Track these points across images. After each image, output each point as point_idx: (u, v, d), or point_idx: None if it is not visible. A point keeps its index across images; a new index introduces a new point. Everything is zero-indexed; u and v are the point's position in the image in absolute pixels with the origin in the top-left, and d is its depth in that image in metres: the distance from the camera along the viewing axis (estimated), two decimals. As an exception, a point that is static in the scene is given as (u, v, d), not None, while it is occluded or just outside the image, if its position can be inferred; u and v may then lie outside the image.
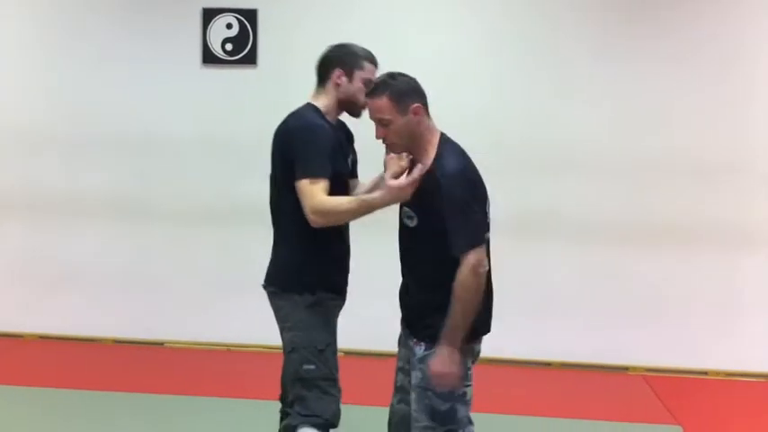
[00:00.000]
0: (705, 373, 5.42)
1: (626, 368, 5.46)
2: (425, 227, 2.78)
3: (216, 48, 5.50)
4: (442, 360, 2.73)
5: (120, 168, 5.64)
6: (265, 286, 3.14)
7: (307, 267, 3.01)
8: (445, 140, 2.83)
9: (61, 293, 5.73)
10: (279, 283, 3.07)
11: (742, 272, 5.41)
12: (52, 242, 5.74)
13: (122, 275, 5.71)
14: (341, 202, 2.90)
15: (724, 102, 5.34)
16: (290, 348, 3.01)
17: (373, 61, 3.08)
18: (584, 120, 5.38)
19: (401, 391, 3.00)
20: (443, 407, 2.80)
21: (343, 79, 3.03)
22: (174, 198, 5.63)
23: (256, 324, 5.44)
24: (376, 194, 2.84)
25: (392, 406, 3.05)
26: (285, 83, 5.41)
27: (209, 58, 5.51)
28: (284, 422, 3.09)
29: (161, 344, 5.67)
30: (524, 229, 5.30)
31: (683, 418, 4.68)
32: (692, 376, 5.39)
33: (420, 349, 2.83)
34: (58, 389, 4.79)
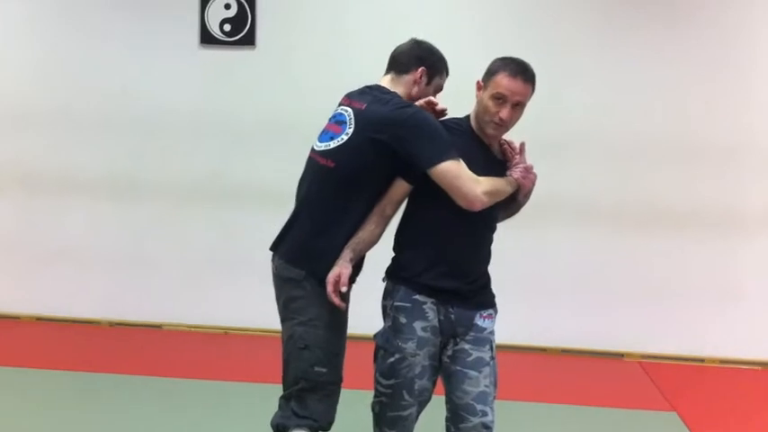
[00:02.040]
0: (701, 360, 5.43)
1: (622, 354, 5.47)
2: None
3: (214, 28, 5.45)
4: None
5: (115, 148, 5.60)
6: (283, 268, 2.94)
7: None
8: None
9: (54, 273, 5.70)
10: (311, 271, 2.85)
11: (739, 258, 5.41)
12: (45, 222, 5.70)
13: (118, 256, 5.68)
14: (499, 181, 2.86)
15: (722, 86, 5.32)
16: (302, 344, 2.85)
17: (448, 71, 3.07)
18: (582, 104, 5.37)
19: (420, 394, 2.93)
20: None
21: (423, 80, 2.97)
22: (170, 179, 5.60)
23: (253, 307, 5.48)
24: (508, 180, 2.89)
25: (429, 389, 2.99)
26: (284, 64, 5.39)
27: (206, 38, 5.47)
28: (276, 419, 2.95)
29: (159, 326, 5.65)
30: (521, 214, 5.23)
31: (678, 404, 4.69)
32: (688, 363, 5.40)
33: (491, 321, 2.95)
34: (53, 370, 4.77)
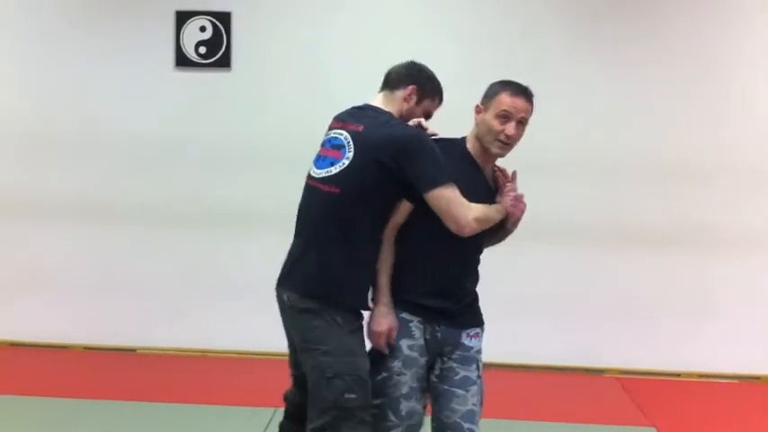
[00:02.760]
0: (678, 374, 5.46)
1: (600, 370, 5.49)
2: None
3: (189, 51, 5.45)
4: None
5: (89, 171, 5.57)
6: (297, 300, 2.87)
7: (363, 286, 2.87)
8: None
9: (28, 298, 5.63)
10: (329, 300, 2.81)
11: (713, 274, 5.46)
12: (17, 247, 5.64)
13: (92, 280, 5.63)
14: (490, 209, 2.90)
15: (696, 104, 5.39)
16: (330, 374, 2.77)
17: (442, 98, 3.06)
18: (556, 123, 5.37)
19: (409, 417, 2.90)
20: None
21: (413, 98, 2.97)
22: (145, 202, 5.56)
23: (230, 329, 5.45)
24: (497, 207, 2.93)
25: (420, 413, 2.97)
26: (259, 86, 5.39)
27: (182, 60, 5.47)
28: None
29: (133, 350, 5.60)
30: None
31: (656, 419, 4.71)
32: (665, 378, 5.43)
33: (478, 341, 2.99)
34: (27, 396, 4.70)
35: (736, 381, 5.42)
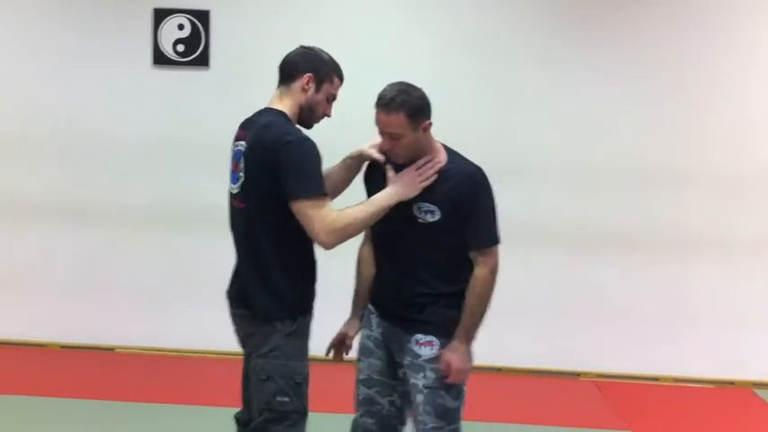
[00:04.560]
0: (656, 378, 5.48)
1: (577, 374, 5.50)
2: (449, 222, 2.80)
3: (167, 49, 5.41)
4: (463, 356, 2.82)
5: (66, 171, 5.51)
6: (236, 307, 2.94)
7: (290, 292, 2.80)
8: (446, 146, 2.92)
9: (4, 297, 5.58)
10: (257, 308, 2.82)
11: (692, 279, 5.47)
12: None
13: (70, 278, 5.58)
14: (353, 213, 2.73)
15: (670, 109, 5.40)
16: (264, 376, 2.79)
17: (341, 77, 2.93)
18: (531, 128, 5.40)
19: (366, 403, 2.98)
20: (454, 404, 2.88)
21: (311, 86, 2.85)
22: (122, 202, 5.52)
23: (207, 329, 5.40)
24: (383, 194, 2.80)
25: (355, 421, 3.03)
26: (238, 85, 5.35)
27: (159, 58, 5.42)
28: None
29: (111, 349, 5.55)
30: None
31: (633, 423, 4.73)
32: (642, 382, 5.44)
33: (429, 349, 2.84)
34: (3, 395, 4.66)
35: (712, 386, 5.44)
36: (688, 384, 5.45)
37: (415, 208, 2.81)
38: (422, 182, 2.79)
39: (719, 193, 5.42)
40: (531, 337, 5.49)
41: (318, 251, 2.86)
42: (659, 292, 5.46)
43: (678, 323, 5.47)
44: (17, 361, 5.35)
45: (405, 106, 2.72)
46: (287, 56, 2.93)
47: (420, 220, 2.81)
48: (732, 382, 5.46)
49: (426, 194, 2.79)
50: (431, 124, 2.81)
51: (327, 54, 2.93)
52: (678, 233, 5.44)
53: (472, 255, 2.85)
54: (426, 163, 2.81)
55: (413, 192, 2.79)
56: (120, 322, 5.58)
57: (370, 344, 2.99)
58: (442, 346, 2.83)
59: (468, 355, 2.84)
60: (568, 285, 5.47)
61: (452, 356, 2.80)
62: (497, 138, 5.34)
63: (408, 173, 2.80)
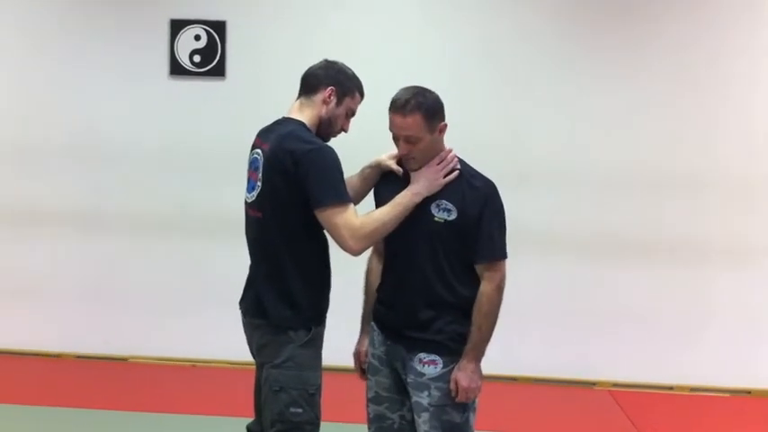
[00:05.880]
0: (671, 387, 5.45)
1: (593, 383, 5.48)
2: (463, 223, 2.77)
3: (183, 59, 5.45)
4: (471, 375, 2.79)
5: (82, 180, 5.55)
6: (250, 317, 2.94)
7: (306, 302, 2.81)
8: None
9: (19, 307, 5.60)
10: (273, 317, 2.81)
11: (705, 286, 5.45)
12: (9, 255, 5.62)
13: (83, 288, 5.61)
14: (379, 216, 2.75)
15: (686, 115, 5.39)
16: (277, 387, 2.79)
17: (362, 93, 2.96)
18: (545, 133, 5.41)
19: (378, 420, 2.98)
20: (461, 418, 2.84)
21: (333, 99, 2.87)
22: (137, 211, 5.55)
23: (219, 339, 5.42)
24: (405, 194, 2.78)
25: (392, 419, 2.99)
26: (254, 95, 5.39)
27: (176, 69, 5.46)
28: None
29: (125, 359, 5.58)
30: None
31: (648, 432, 4.71)
32: (657, 391, 5.42)
33: (433, 368, 2.81)
34: (19, 405, 4.69)
35: (728, 394, 5.41)
36: (704, 393, 5.42)
37: (433, 206, 2.78)
38: (444, 176, 2.79)
39: (735, 199, 5.40)
40: (546, 346, 5.48)
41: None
42: (674, 299, 5.44)
43: (694, 331, 5.45)
44: (33, 372, 5.38)
45: (421, 108, 2.73)
46: (310, 68, 2.97)
47: (437, 219, 2.77)
48: (749, 392, 5.43)
49: (445, 192, 2.79)
50: (446, 126, 2.81)
51: (351, 70, 2.96)
52: (693, 240, 5.42)
53: (478, 269, 2.82)
54: (442, 160, 2.81)
55: (435, 188, 2.78)
56: (134, 332, 5.60)
57: (375, 362, 2.97)
58: (446, 365, 2.81)
59: (477, 373, 2.81)
60: (582, 293, 5.46)
61: (461, 375, 2.78)
62: (512, 144, 5.36)
63: (429, 169, 2.79)
